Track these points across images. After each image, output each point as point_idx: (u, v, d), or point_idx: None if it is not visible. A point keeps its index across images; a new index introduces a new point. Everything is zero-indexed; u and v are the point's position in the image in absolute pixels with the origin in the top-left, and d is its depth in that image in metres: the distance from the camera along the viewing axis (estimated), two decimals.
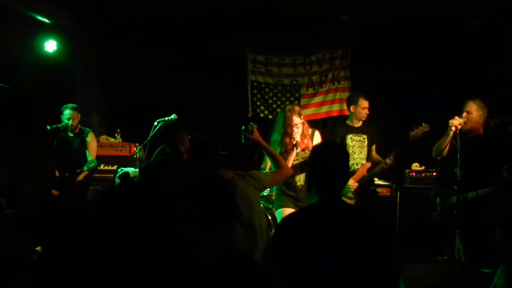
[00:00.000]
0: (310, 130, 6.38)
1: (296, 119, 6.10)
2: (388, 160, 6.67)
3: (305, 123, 6.26)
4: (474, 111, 6.20)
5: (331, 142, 6.04)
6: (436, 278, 5.97)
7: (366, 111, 7.04)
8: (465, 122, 6.18)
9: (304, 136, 6.20)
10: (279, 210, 6.43)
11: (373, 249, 3.02)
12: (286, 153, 6.17)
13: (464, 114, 6.20)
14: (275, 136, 6.25)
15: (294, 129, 6.11)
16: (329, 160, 3.26)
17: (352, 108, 7.19)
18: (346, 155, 3.40)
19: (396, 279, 3.11)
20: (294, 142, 6.09)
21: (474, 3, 7.65)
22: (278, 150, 6.14)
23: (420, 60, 8.74)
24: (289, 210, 6.25)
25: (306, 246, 2.97)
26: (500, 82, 8.21)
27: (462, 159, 6.01)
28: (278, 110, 8.81)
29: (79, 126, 7.72)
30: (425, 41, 8.71)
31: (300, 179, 6.22)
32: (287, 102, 9.53)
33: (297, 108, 6.24)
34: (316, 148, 3.53)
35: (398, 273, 3.17)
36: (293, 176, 6.18)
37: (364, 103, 7.02)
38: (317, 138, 6.37)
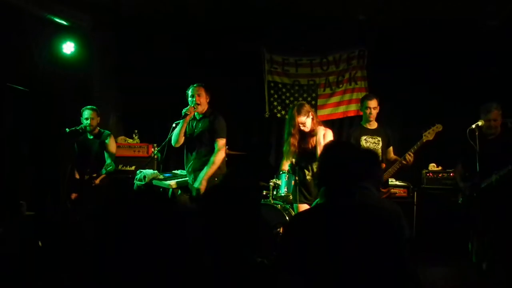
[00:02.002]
0: (322, 129, 6.62)
1: (301, 118, 6.42)
2: (407, 156, 6.72)
3: (314, 119, 6.59)
4: (499, 117, 6.36)
5: (342, 141, 6.10)
6: (453, 282, 5.95)
7: (371, 110, 7.10)
8: (487, 127, 6.38)
9: (313, 132, 6.53)
10: (295, 205, 6.74)
11: (382, 251, 2.94)
12: (293, 152, 6.60)
13: (492, 123, 6.31)
14: (285, 135, 6.72)
15: (301, 127, 6.46)
16: (338, 159, 3.19)
17: (360, 110, 7.35)
18: (357, 154, 3.34)
19: (406, 281, 3.05)
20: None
21: (492, 3, 7.60)
22: (286, 149, 6.68)
23: (436, 60, 8.70)
24: (303, 206, 6.64)
25: (312, 247, 2.92)
26: None
27: (482, 160, 6.14)
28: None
29: (98, 128, 7.77)
30: (441, 41, 8.66)
31: (308, 173, 6.66)
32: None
33: (304, 107, 6.53)
34: (326, 147, 3.44)
35: (408, 273, 3.09)
36: (302, 169, 6.43)
37: (368, 103, 7.12)
38: (330, 138, 6.57)
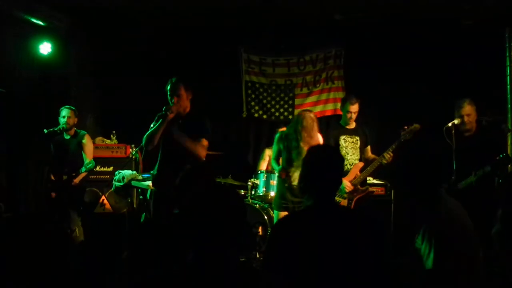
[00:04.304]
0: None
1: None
2: (386, 155, 6.74)
3: None
4: (473, 112, 6.31)
5: (325, 145, 6.10)
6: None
7: (351, 115, 7.10)
8: (462, 123, 6.31)
9: None
10: (275, 212, 6.56)
11: (367, 251, 3.02)
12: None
13: (465, 118, 6.28)
14: (300, 143, 6.49)
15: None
16: (323, 163, 3.27)
17: (340, 110, 7.36)
18: (340, 158, 3.43)
19: (389, 282, 3.12)
20: None
21: (468, 2, 7.68)
22: (286, 155, 6.55)
23: (413, 59, 8.77)
24: (284, 214, 6.41)
25: (301, 249, 2.98)
26: (493, 81, 8.27)
27: (459, 158, 6.13)
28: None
29: (75, 128, 7.75)
30: (418, 40, 8.74)
31: (295, 178, 6.42)
32: (281, 102, 9.59)
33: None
34: (310, 151, 3.52)
35: (391, 275, 3.18)
36: (289, 177, 6.37)
37: (350, 108, 7.09)
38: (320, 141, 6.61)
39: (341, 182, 3.42)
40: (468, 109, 6.34)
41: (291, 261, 2.97)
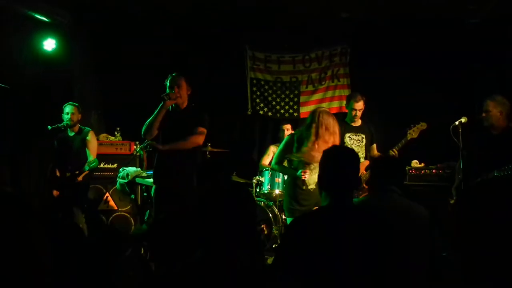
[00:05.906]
0: None
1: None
2: (392, 153, 6.70)
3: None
4: (492, 108, 6.19)
5: (342, 146, 5.99)
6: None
7: (357, 112, 7.01)
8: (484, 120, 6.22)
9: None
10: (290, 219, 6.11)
11: (381, 252, 3.02)
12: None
13: (483, 114, 6.21)
14: (311, 136, 5.72)
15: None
16: (340, 164, 3.29)
17: (346, 108, 7.30)
18: (357, 159, 3.43)
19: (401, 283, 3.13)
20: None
21: (473, 1, 7.65)
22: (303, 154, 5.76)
23: (419, 58, 8.74)
24: None
25: (315, 249, 2.97)
26: (499, 81, 8.22)
27: (482, 155, 6.06)
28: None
29: (79, 125, 7.72)
30: (424, 39, 8.70)
31: (310, 182, 5.80)
32: (287, 99, 9.56)
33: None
34: (327, 152, 3.51)
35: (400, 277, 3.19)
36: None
37: (354, 105, 7.02)
38: None
39: (357, 183, 3.40)
40: (486, 105, 6.23)
41: (304, 261, 2.96)
